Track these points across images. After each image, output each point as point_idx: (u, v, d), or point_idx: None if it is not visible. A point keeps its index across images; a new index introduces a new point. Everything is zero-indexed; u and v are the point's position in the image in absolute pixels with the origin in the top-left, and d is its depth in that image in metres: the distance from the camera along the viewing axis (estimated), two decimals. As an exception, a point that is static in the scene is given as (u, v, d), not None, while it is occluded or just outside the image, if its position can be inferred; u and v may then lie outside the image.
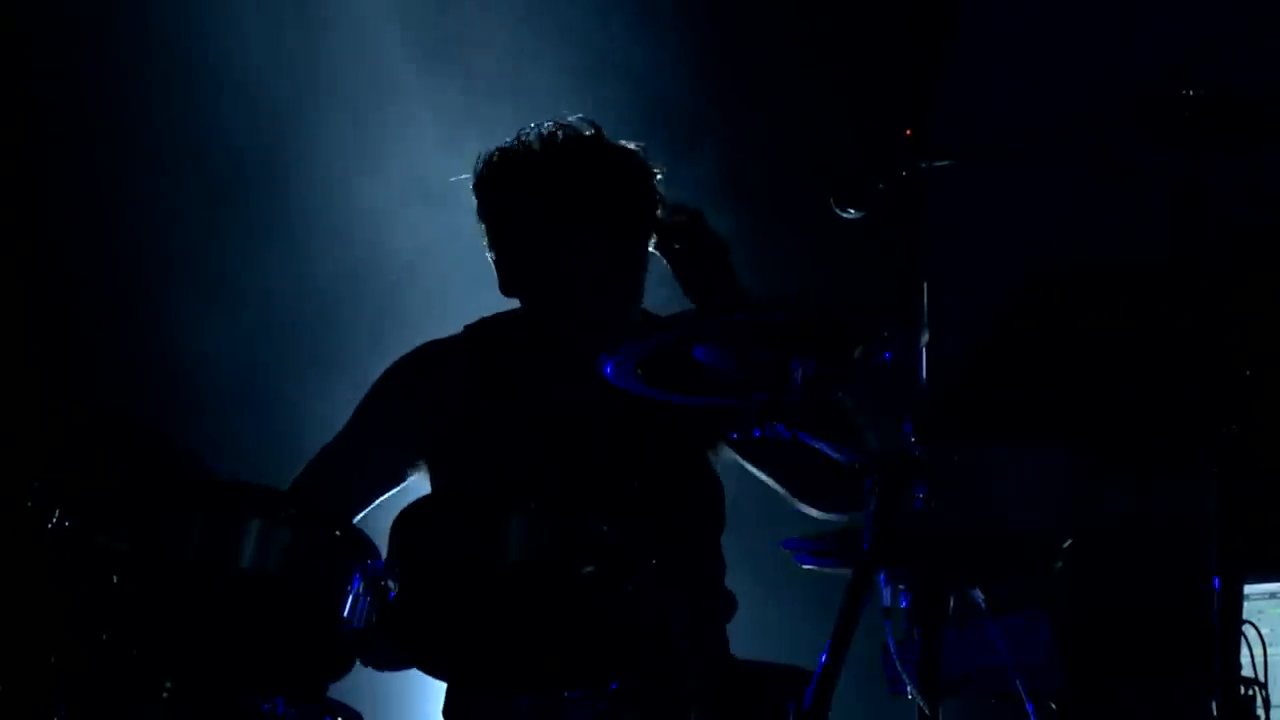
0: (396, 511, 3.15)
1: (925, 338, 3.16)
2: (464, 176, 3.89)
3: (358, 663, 3.21)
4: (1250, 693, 3.06)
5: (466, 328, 3.99)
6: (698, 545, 3.86)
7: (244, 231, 5.28)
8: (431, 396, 3.89)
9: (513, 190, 3.83)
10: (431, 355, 3.97)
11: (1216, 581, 2.99)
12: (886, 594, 3.22)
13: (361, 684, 3.38)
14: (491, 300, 3.97)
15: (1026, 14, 5.49)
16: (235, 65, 5.28)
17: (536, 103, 5.36)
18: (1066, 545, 3.20)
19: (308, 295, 5.33)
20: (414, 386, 3.92)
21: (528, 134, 3.84)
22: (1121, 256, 3.29)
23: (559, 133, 3.82)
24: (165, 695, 3.02)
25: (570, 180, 3.79)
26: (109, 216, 5.16)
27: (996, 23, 5.57)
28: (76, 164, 5.12)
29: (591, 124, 3.84)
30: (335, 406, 5.15)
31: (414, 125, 5.45)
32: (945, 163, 3.61)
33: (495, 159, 3.85)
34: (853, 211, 3.68)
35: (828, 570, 3.55)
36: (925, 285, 3.22)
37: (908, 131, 3.60)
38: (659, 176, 3.85)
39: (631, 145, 3.85)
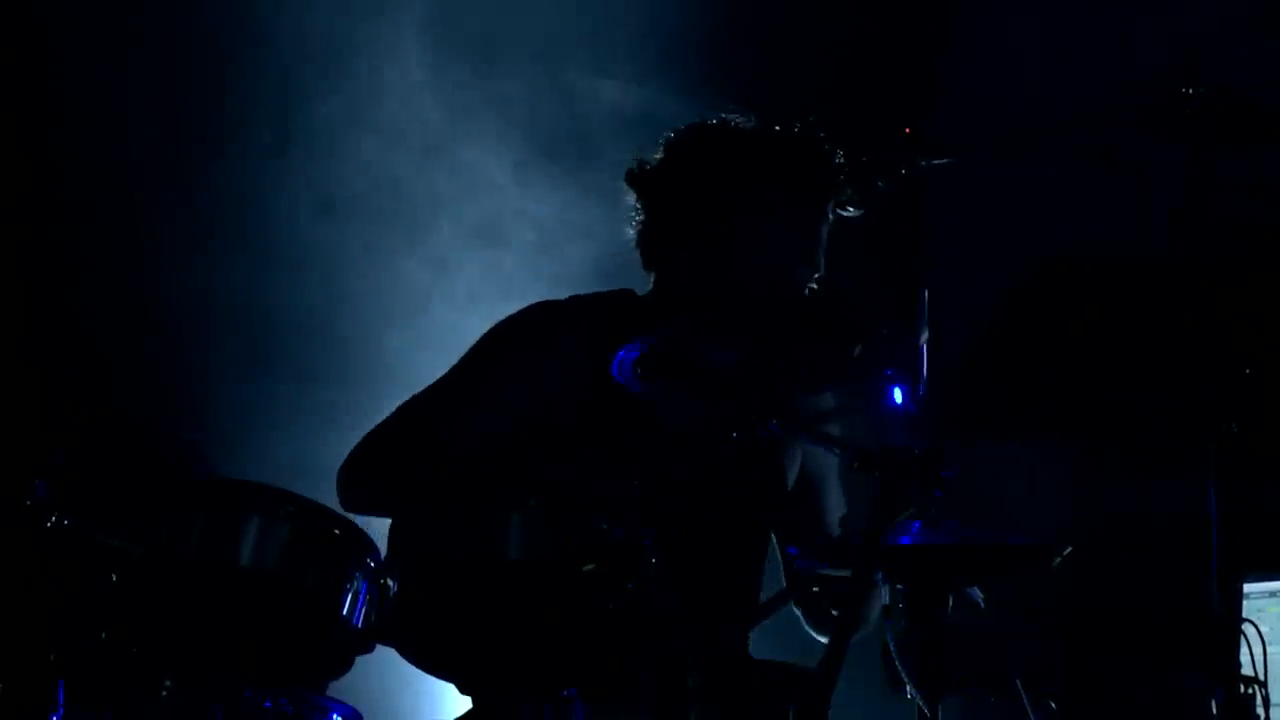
0: (396, 509, 3.15)
1: (925, 336, 3.16)
2: (655, 157, 3.85)
3: (358, 661, 3.21)
4: (1250, 691, 3.06)
5: (573, 298, 3.92)
6: (748, 558, 3.85)
7: (242, 233, 5.28)
8: (539, 361, 3.82)
9: (701, 162, 3.79)
10: (551, 317, 3.86)
11: (1215, 580, 2.99)
12: (886, 593, 3.22)
13: (361, 683, 3.37)
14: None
15: (1027, 11, 5.49)
16: (234, 63, 5.29)
17: (529, 103, 5.39)
18: (1066, 552, 3.21)
19: (308, 294, 5.33)
20: (526, 348, 3.83)
21: (733, 117, 3.82)
22: (1122, 254, 3.30)
23: (742, 119, 3.82)
24: (165, 693, 3.02)
25: (763, 156, 3.76)
26: (108, 217, 5.16)
27: (997, 20, 5.57)
28: (74, 164, 5.11)
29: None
30: (336, 406, 5.18)
31: (410, 123, 5.45)
32: (944, 160, 3.61)
33: (682, 133, 3.82)
34: (851, 210, 3.68)
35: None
36: (925, 283, 3.22)
37: (906, 129, 3.60)
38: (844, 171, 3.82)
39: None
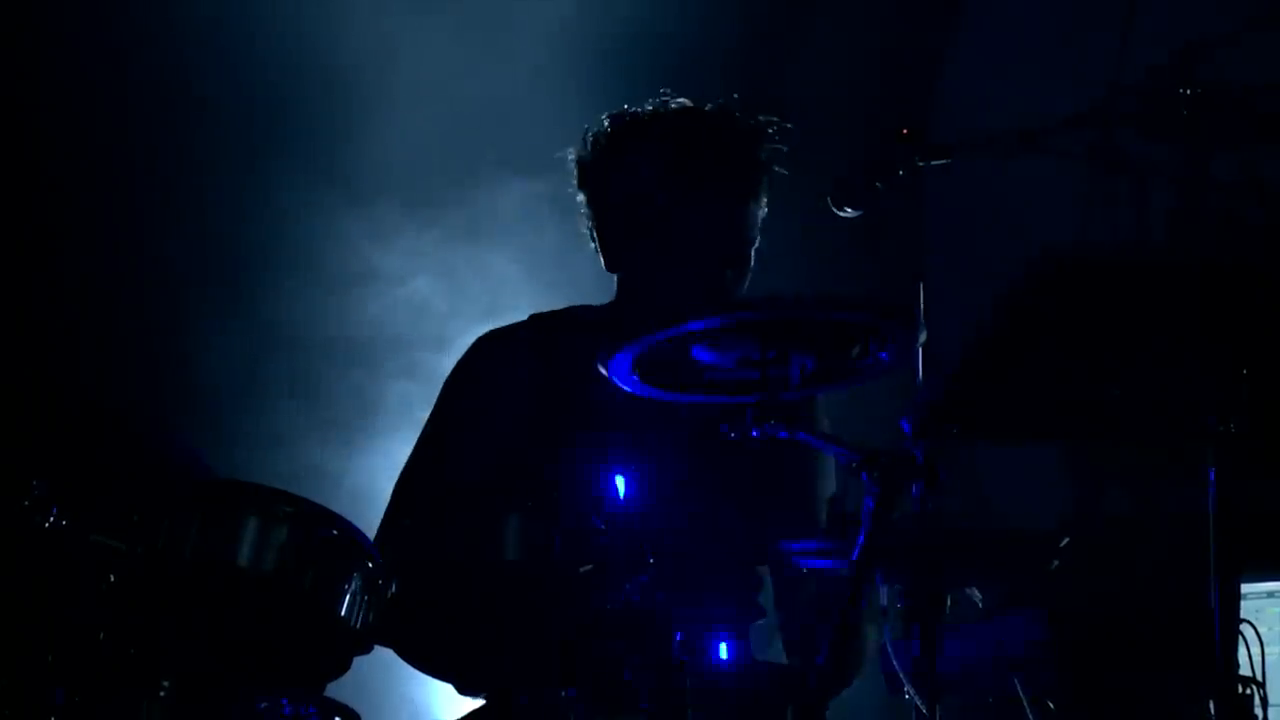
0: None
1: (923, 336, 3.16)
2: (570, 152, 3.86)
3: (357, 661, 3.21)
4: (1248, 692, 3.05)
5: (532, 317, 3.94)
6: (742, 554, 3.83)
7: (242, 232, 5.29)
8: (493, 394, 3.84)
9: (624, 152, 3.81)
10: (492, 349, 3.90)
11: (1213, 580, 2.99)
12: (883, 593, 3.22)
13: (361, 684, 3.38)
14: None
15: (1025, 11, 5.49)
16: (240, 66, 5.29)
17: (529, 98, 5.39)
18: (1064, 544, 3.20)
19: (307, 296, 5.34)
20: (479, 386, 3.86)
21: (640, 106, 3.84)
22: (1120, 253, 3.29)
23: (670, 102, 3.83)
24: (163, 694, 3.01)
25: (680, 140, 3.77)
26: (108, 217, 5.17)
27: (995, 20, 5.57)
28: (74, 164, 5.12)
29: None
30: (334, 409, 5.18)
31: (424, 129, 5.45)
32: (943, 161, 3.61)
33: (606, 125, 3.84)
34: (850, 210, 3.68)
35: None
36: (922, 283, 3.22)
37: (904, 130, 3.60)
38: (775, 146, 3.82)
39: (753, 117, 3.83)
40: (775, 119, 3.83)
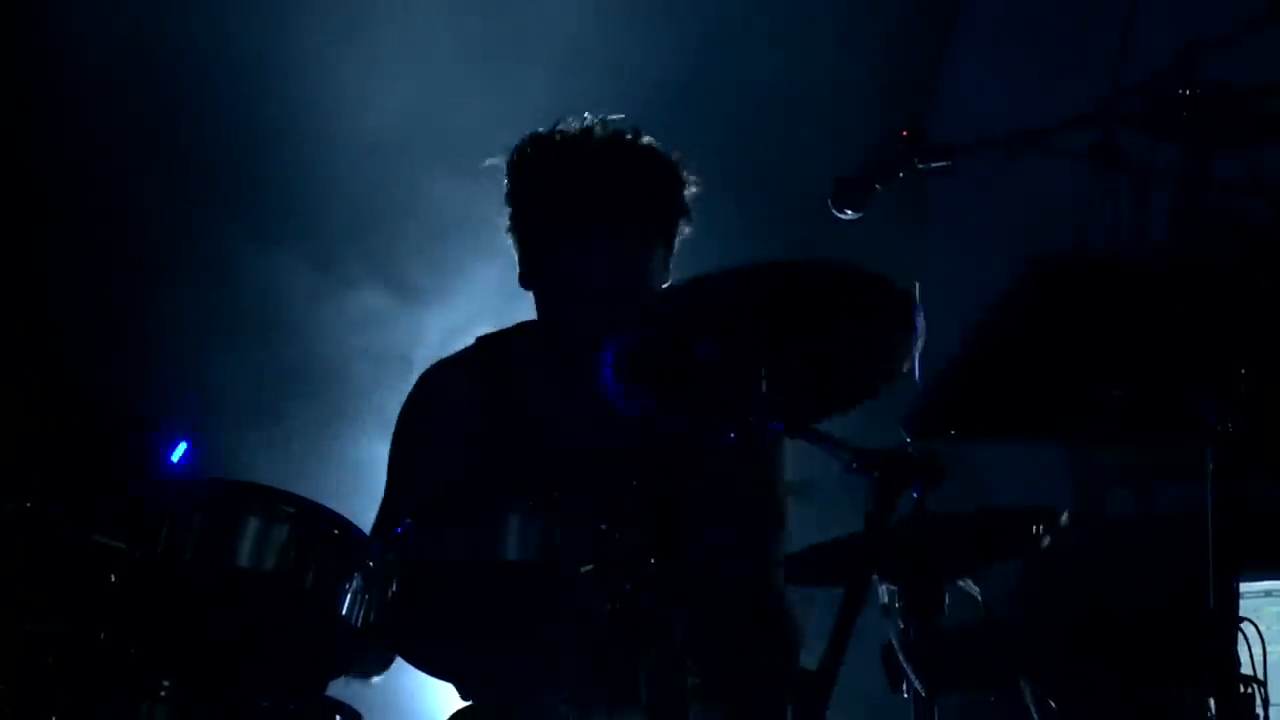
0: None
1: (922, 337, 3.16)
2: (494, 160, 3.88)
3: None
4: (1249, 690, 3.05)
5: (478, 339, 3.96)
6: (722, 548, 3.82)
7: (242, 234, 5.30)
8: (437, 425, 3.86)
9: (535, 176, 3.82)
10: (434, 382, 3.94)
11: (1212, 579, 2.99)
12: (883, 593, 3.22)
13: (361, 683, 3.38)
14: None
15: (1026, 11, 5.50)
16: (228, 65, 5.30)
17: (529, 100, 5.39)
18: (1064, 520, 3.21)
19: (305, 298, 5.35)
20: (424, 423, 3.89)
21: (565, 125, 3.84)
22: (1120, 253, 3.30)
23: (595, 128, 3.82)
24: (164, 694, 3.01)
25: (584, 172, 3.77)
26: (110, 219, 5.18)
27: (996, 20, 5.57)
28: (74, 166, 5.13)
29: (633, 129, 3.83)
30: (332, 409, 5.19)
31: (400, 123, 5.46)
32: (943, 163, 3.62)
33: (527, 145, 3.84)
34: (850, 212, 3.69)
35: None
36: (919, 284, 3.22)
37: (905, 132, 3.60)
38: (687, 185, 3.82)
39: (666, 151, 3.83)
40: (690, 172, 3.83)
